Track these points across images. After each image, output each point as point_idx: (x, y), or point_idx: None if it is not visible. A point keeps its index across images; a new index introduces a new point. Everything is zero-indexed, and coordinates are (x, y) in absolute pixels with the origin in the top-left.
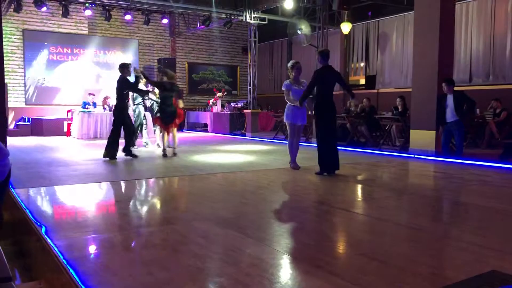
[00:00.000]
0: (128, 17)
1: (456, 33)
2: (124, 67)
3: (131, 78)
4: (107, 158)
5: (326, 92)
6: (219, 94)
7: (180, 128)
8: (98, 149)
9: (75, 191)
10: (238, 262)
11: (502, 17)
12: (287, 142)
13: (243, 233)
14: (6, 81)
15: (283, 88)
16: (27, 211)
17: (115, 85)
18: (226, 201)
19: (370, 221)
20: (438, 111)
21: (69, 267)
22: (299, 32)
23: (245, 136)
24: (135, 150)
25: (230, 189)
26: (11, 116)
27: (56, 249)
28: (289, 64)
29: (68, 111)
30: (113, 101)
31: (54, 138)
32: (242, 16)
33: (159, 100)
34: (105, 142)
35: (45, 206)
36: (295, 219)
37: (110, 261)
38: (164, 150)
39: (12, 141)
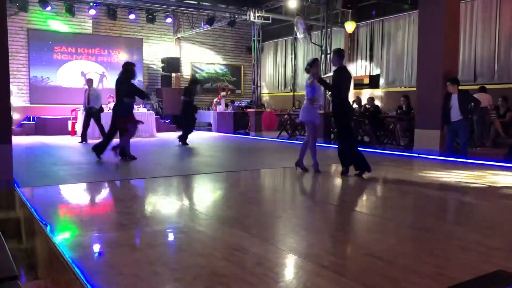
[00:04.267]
0: (132, 16)
1: (460, 32)
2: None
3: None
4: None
5: (347, 92)
6: (223, 93)
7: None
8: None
9: (80, 190)
10: (243, 261)
11: (507, 16)
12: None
13: (247, 232)
14: (11, 80)
15: (308, 87)
16: (32, 210)
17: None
18: (230, 200)
19: (375, 220)
20: (443, 111)
21: (74, 266)
22: (300, 31)
23: (249, 135)
24: None
25: (234, 188)
26: (15, 116)
27: (61, 248)
28: (310, 61)
29: (73, 111)
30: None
31: (58, 137)
32: (246, 15)
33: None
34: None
35: (50, 205)
36: (299, 218)
37: (115, 260)
38: None
39: (17, 140)
